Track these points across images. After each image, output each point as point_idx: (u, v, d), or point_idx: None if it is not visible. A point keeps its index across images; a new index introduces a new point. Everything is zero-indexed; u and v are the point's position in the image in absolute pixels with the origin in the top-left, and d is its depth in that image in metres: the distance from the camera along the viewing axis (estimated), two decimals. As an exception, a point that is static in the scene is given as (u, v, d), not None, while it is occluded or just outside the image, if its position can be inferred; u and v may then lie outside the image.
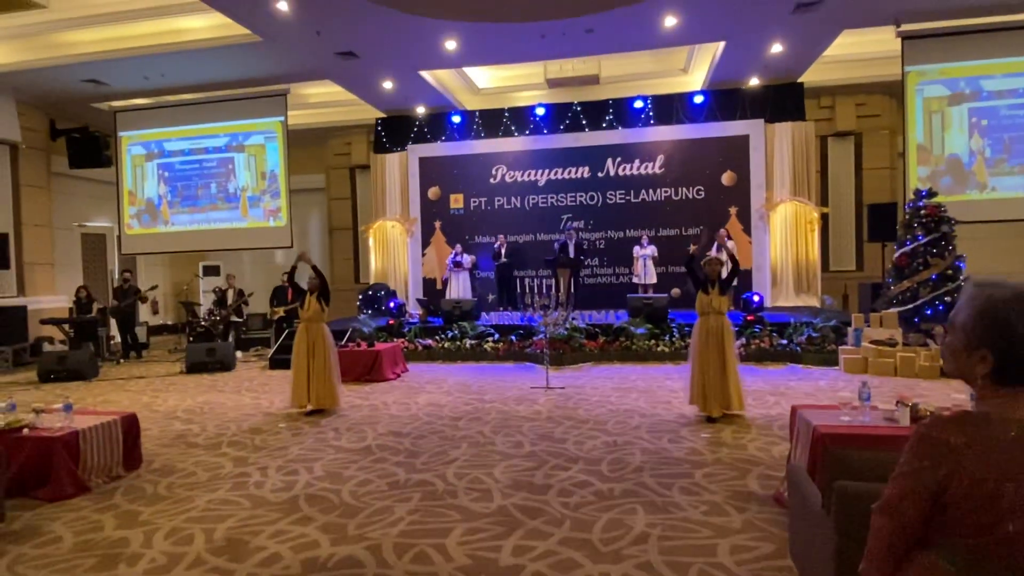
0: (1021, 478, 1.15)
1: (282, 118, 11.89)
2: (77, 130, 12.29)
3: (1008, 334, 1.20)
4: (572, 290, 9.24)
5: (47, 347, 10.61)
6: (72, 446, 4.15)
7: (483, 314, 10.86)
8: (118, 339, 11.49)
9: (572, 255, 11.06)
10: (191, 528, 3.52)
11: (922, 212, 8.38)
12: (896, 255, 8.60)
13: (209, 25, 9.33)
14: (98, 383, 8.67)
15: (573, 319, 9.47)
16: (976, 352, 1.25)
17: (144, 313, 13.38)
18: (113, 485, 4.29)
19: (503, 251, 11.90)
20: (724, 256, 10.74)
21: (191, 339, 10.96)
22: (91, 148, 12.26)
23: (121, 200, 12.71)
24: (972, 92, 9.78)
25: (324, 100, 12.98)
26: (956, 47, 9.68)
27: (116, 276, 12.43)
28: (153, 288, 11.97)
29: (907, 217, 8.66)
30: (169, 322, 14.76)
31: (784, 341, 8.79)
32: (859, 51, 10.85)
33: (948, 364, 1.34)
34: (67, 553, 3.26)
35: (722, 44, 9.93)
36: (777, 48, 9.86)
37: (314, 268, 6.59)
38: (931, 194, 8.56)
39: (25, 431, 4.18)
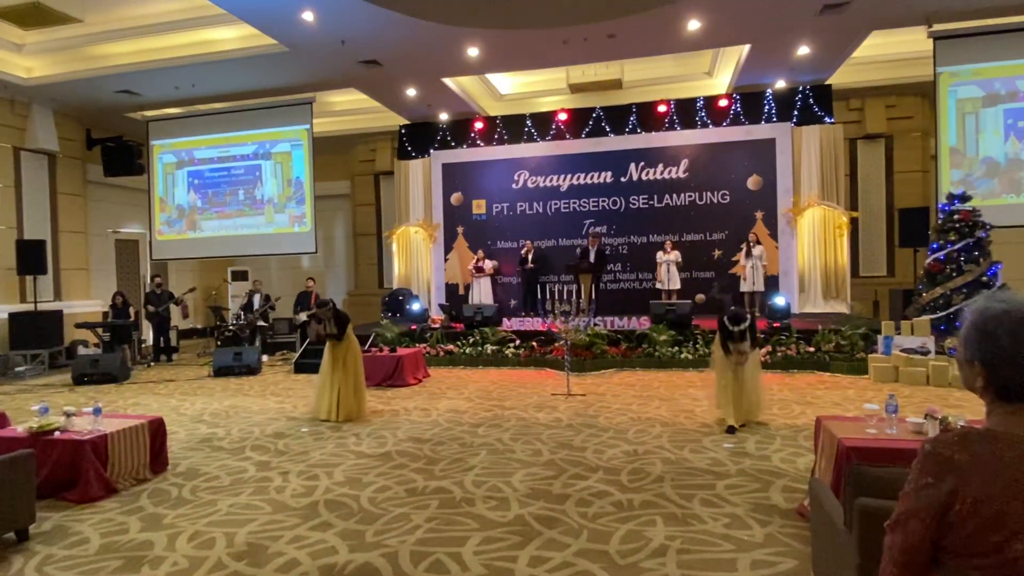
0: None
1: (308, 126, 12.08)
2: (111, 139, 12.65)
3: (995, 348, 1.21)
4: (593, 296, 9.17)
5: (81, 350, 10.92)
6: (101, 449, 4.26)
7: (504, 320, 10.86)
8: (149, 343, 11.76)
9: (593, 260, 11.00)
10: (213, 532, 3.57)
11: (955, 217, 8.16)
12: (928, 261, 8.38)
13: (237, 36, 9.54)
14: (129, 386, 8.89)
15: (595, 325, 9.41)
16: (972, 365, 1.27)
17: (175, 317, 13.70)
18: (140, 488, 4.38)
19: (530, 257, 11.89)
20: (749, 261, 10.67)
21: (219, 343, 11.16)
22: (125, 157, 12.61)
23: (152, 207, 13.03)
24: (1008, 93, 9.48)
25: (349, 108, 13.16)
26: (990, 47, 9.40)
27: (148, 281, 12.73)
28: (190, 291, 12.20)
29: (940, 222, 8.45)
30: (199, 326, 15.08)
31: (811, 349, 8.61)
32: (889, 52, 10.62)
33: (960, 376, 1.35)
34: (93, 555, 3.33)
35: (747, 47, 9.80)
36: (804, 50, 9.70)
37: (335, 312, 6.59)
38: (965, 198, 8.33)
39: (56, 434, 4.29)
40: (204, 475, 4.64)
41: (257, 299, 11.67)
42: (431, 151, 13.11)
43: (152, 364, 11.03)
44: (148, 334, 11.89)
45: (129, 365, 10.03)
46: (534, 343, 9.55)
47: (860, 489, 2.22)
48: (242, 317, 11.40)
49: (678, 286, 11.10)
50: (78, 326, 10.88)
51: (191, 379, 9.32)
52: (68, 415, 4.47)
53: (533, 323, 10.35)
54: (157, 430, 4.75)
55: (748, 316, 5.60)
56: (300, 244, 12.45)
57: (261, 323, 11.49)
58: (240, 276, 14.48)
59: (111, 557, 3.30)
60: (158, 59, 9.93)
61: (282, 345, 11.95)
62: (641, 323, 9.79)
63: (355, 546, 3.33)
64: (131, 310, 11.30)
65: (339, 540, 3.41)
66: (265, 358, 10.65)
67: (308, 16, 8.20)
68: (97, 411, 4.46)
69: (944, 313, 7.95)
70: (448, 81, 11.02)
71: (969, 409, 5.80)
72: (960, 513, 1.17)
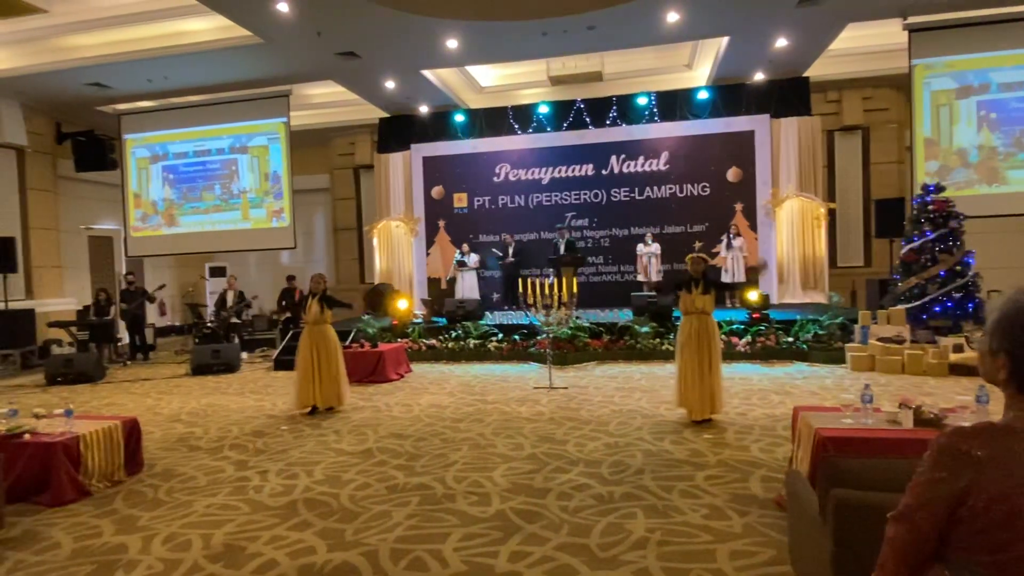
0: None
1: (285, 119, 11.91)
2: (82, 133, 12.35)
3: (1022, 339, 1.19)
4: (574, 289, 9.17)
5: (55, 350, 10.69)
6: (73, 451, 4.17)
7: (487, 313, 10.83)
8: (125, 341, 11.56)
9: (564, 252, 11.01)
10: (189, 534, 3.51)
11: (930, 207, 8.28)
12: (903, 251, 8.50)
13: (211, 27, 9.34)
14: (104, 385, 8.72)
15: (577, 318, 9.42)
16: (997, 357, 1.24)
17: (151, 314, 13.46)
18: (114, 490, 4.30)
19: (511, 250, 11.87)
20: (730, 252, 10.76)
21: (197, 341, 11.00)
22: (96, 151, 12.32)
23: (126, 203, 12.78)
24: (981, 85, 9.64)
25: (327, 100, 12.99)
26: (964, 39, 9.54)
27: (123, 278, 12.50)
28: (161, 288, 12.02)
29: (915, 212, 8.56)
30: (176, 324, 14.85)
31: (790, 339, 8.71)
32: (866, 44, 10.72)
33: (980, 368, 1.33)
34: (65, 560, 3.26)
35: (726, 39, 9.83)
36: (782, 42, 9.75)
37: (327, 298, 6.59)
38: (939, 189, 8.45)
39: (26, 436, 4.19)
40: (180, 476, 4.57)
41: (231, 296, 11.47)
42: (411, 144, 12.99)
43: (128, 363, 10.84)
44: (123, 332, 11.67)
45: (105, 364, 9.85)
46: (516, 337, 9.54)
47: (834, 480, 2.24)
48: (217, 315, 11.23)
49: (659, 278, 11.15)
50: (51, 325, 10.66)
51: (168, 378, 9.17)
52: (38, 417, 4.36)
53: (516, 317, 10.34)
54: (132, 430, 4.66)
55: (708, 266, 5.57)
56: (279, 239, 12.30)
57: (235, 320, 11.31)
58: (218, 272, 14.28)
59: (83, 561, 3.23)
60: (129, 51, 9.70)
61: (262, 342, 11.81)
62: (623, 315, 9.82)
63: (334, 545, 3.30)
64: (113, 308, 11.07)
65: (318, 539, 3.37)
66: (245, 355, 10.51)
67: (283, 7, 8.05)
68: (69, 413, 4.36)
69: (919, 302, 8.08)
70: (427, 73, 10.92)
71: (942, 397, 5.92)
72: (973, 509, 1.14)
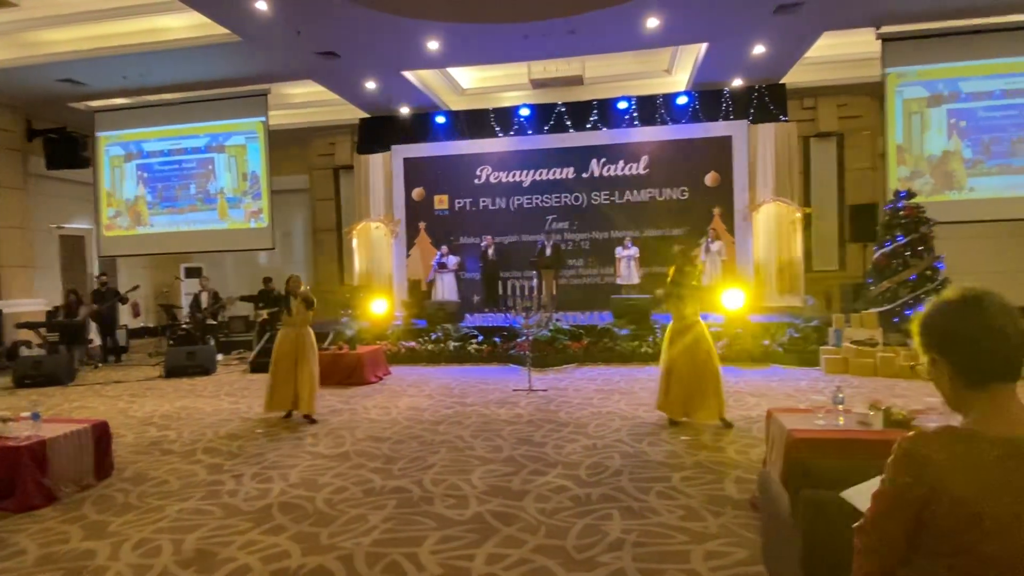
0: (1003, 498, 1.13)
1: (263, 118, 11.78)
2: (54, 130, 12.09)
3: (934, 330, 1.26)
4: (554, 291, 9.22)
5: (24, 351, 10.43)
6: (39, 455, 4.07)
7: (467, 316, 10.81)
8: (97, 342, 11.32)
9: (550, 255, 11.05)
10: (160, 539, 3.45)
11: (901, 213, 8.45)
12: (876, 255, 8.66)
13: (188, 25, 9.21)
14: (75, 388, 8.53)
15: (557, 320, 9.46)
16: (935, 364, 1.27)
17: (125, 316, 13.20)
18: (83, 495, 4.21)
19: (490, 251, 11.86)
20: (708, 256, 10.87)
21: (171, 342, 10.82)
22: (69, 149, 12.06)
23: (99, 201, 12.53)
24: (950, 94, 9.88)
25: (306, 100, 12.87)
26: (935, 49, 9.78)
27: (95, 279, 12.24)
28: (134, 288, 11.80)
29: (887, 218, 8.74)
30: (150, 325, 14.58)
31: (766, 342, 8.82)
32: (841, 52, 10.92)
33: (929, 377, 1.35)
34: (31, 567, 3.18)
35: (705, 45, 9.95)
36: (759, 49, 9.90)
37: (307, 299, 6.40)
38: (910, 195, 8.63)
39: (-9, 440, 4.08)
40: (152, 480, 4.48)
41: (205, 297, 11.28)
42: (392, 145, 12.93)
43: (100, 365, 10.61)
44: (95, 334, 11.42)
45: (76, 366, 9.63)
46: (496, 339, 9.53)
47: (805, 480, 2.28)
48: (192, 316, 11.05)
49: (637, 281, 11.23)
50: (19, 326, 10.40)
51: (141, 380, 9.00)
52: (4, 420, 4.25)
53: (496, 319, 10.33)
54: (102, 434, 4.57)
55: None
56: (257, 240, 12.15)
57: (211, 322, 11.14)
58: (194, 273, 14.05)
59: (50, 568, 3.15)
60: (103, 47, 9.52)
61: (238, 344, 11.65)
62: (602, 318, 9.88)
63: (308, 549, 3.26)
64: (82, 309, 10.82)
65: (292, 543, 3.33)
66: (220, 357, 10.35)
67: (261, 5, 7.97)
68: (36, 416, 4.26)
69: (891, 306, 8.24)
70: (408, 74, 10.88)
71: (912, 398, 6.04)
72: (936, 512, 1.16)
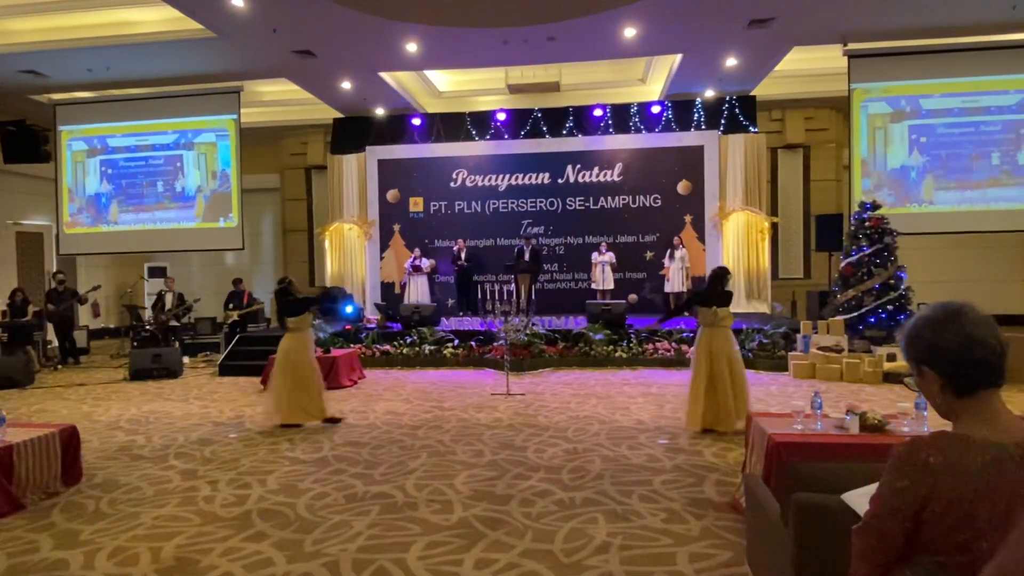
0: (995, 499, 1.20)
1: (235, 116, 11.55)
2: (12, 123, 11.60)
3: (920, 344, 1.30)
4: (533, 296, 9.26)
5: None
6: (4, 462, 3.91)
7: (443, 319, 10.78)
8: (55, 344, 10.91)
9: (528, 259, 11.09)
10: (136, 547, 3.35)
11: (866, 224, 8.75)
12: (842, 265, 8.94)
13: (160, 19, 8.98)
14: (33, 391, 8.21)
15: (534, 324, 9.49)
16: (924, 374, 1.32)
17: (85, 316, 12.76)
18: (51, 502, 4.06)
19: (462, 255, 11.85)
20: (672, 263, 11.07)
21: (135, 344, 10.49)
22: (28, 142, 11.60)
23: (60, 198, 12.10)
24: (912, 110, 10.28)
25: (280, 98, 12.66)
26: (898, 67, 10.17)
27: (52, 277, 11.80)
28: (95, 289, 11.41)
29: (852, 228, 9.03)
30: (111, 326, 14.12)
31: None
32: (809, 67, 11.26)
33: (919, 388, 1.40)
34: (-1, 578, 3.06)
35: (679, 56, 10.15)
36: (732, 62, 10.14)
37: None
38: (875, 207, 8.94)
39: (-48, 446, 3.91)
40: (124, 486, 4.35)
41: (169, 299, 10.95)
42: (366, 146, 12.81)
43: (59, 367, 10.23)
44: (52, 335, 11.00)
45: (35, 369, 9.27)
46: (472, 343, 9.52)
47: (793, 484, 2.34)
48: (155, 317, 10.73)
49: (612, 286, 11.36)
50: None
51: (105, 383, 8.72)
52: (-34, 425, 4.07)
53: (472, 323, 10.32)
54: (69, 439, 4.41)
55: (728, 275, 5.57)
56: (226, 240, 11.89)
57: (174, 323, 10.84)
58: (158, 273, 13.67)
59: (20, 579, 3.04)
60: (68, 39, 9.21)
61: (205, 346, 11.36)
62: (577, 322, 9.96)
63: (293, 556, 3.21)
64: (29, 308, 10.41)
65: (275, 551, 3.27)
66: (187, 360, 10.09)
67: (238, 2, 7.83)
68: (1, 420, 4.09)
69: (856, 313, 8.52)
70: (385, 76, 10.81)
71: (877, 403, 6.25)
72: (933, 513, 1.22)
